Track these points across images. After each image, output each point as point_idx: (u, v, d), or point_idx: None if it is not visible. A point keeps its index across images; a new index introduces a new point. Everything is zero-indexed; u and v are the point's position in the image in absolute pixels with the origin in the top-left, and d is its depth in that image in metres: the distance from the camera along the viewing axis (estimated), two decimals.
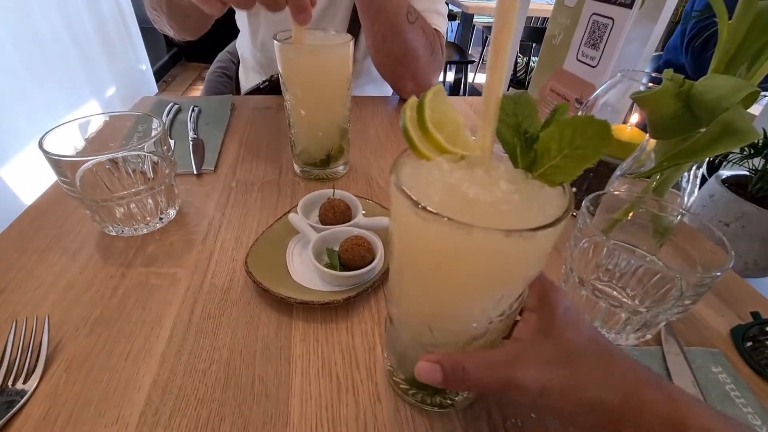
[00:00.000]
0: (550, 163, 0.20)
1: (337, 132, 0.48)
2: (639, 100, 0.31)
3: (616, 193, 0.36)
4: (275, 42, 0.42)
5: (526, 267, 0.19)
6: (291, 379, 0.28)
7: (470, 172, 0.19)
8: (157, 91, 2.84)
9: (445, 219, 0.16)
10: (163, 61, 3.15)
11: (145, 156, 0.39)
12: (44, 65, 1.75)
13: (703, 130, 0.29)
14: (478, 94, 3.15)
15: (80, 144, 0.40)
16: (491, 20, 3.11)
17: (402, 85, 0.70)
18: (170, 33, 0.68)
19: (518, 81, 2.11)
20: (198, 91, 2.92)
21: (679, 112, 0.29)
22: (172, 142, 0.56)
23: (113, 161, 0.37)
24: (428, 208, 0.16)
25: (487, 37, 3.54)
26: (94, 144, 0.41)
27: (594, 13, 0.51)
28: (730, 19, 0.30)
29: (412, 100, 0.20)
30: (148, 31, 2.77)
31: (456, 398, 0.26)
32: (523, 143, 0.21)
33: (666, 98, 0.29)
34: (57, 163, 0.34)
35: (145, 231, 0.40)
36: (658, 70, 1.17)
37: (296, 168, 0.51)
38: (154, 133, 0.42)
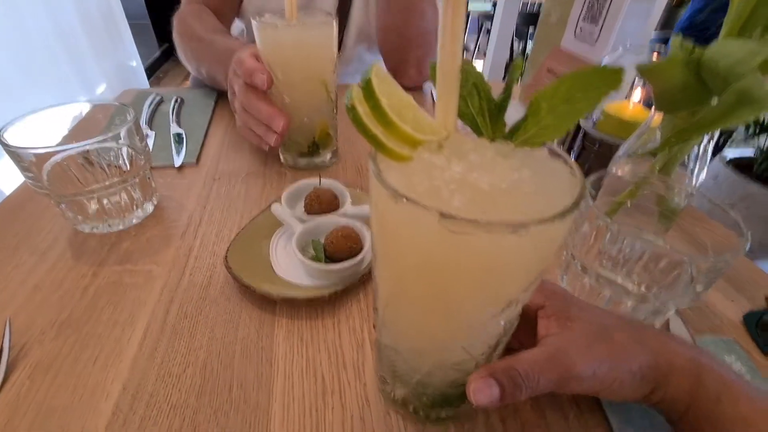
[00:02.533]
0: (537, 125, 0.17)
1: (322, 118, 0.46)
2: (644, 72, 0.28)
3: (620, 174, 0.33)
4: (253, 22, 0.40)
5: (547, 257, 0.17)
6: (272, 381, 0.26)
7: (464, 160, 0.16)
8: (148, 86, 2.80)
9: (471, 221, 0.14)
10: (154, 57, 3.11)
11: (118, 148, 0.37)
12: (31, 62, 1.72)
13: (715, 100, 0.26)
14: None
15: (52, 137, 0.38)
16: (487, 7, 3.05)
17: (403, 71, 0.68)
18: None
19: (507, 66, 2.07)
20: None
21: (689, 82, 0.27)
22: (152, 133, 0.54)
23: (84, 155, 0.35)
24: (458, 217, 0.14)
25: (482, 25, 3.48)
26: (67, 138, 0.39)
27: None
28: None
29: (356, 92, 0.17)
30: (137, 26, 2.72)
31: (460, 407, 0.24)
32: (489, 110, 0.19)
33: (674, 68, 0.27)
34: (18, 155, 0.32)
35: (120, 227, 0.38)
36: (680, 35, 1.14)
37: (282, 158, 0.49)
38: (127, 123, 0.40)
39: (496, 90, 0.18)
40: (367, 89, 0.17)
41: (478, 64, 3.22)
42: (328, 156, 0.49)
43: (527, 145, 0.18)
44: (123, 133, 0.35)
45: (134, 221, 0.39)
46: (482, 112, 0.19)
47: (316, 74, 0.43)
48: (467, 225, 0.13)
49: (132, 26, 2.58)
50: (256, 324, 0.29)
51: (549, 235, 0.15)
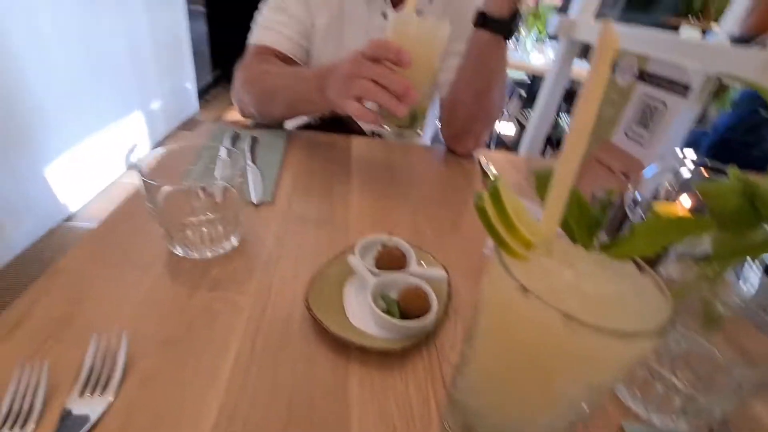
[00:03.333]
0: (633, 244, 0.21)
1: (424, 98, 0.55)
2: (702, 192, 0.32)
3: (669, 274, 0.37)
4: (390, 14, 0.59)
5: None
6: (349, 424, 0.28)
7: (573, 267, 0.20)
8: (198, 108, 2.99)
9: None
10: (206, 82, 3.33)
11: (221, 183, 0.42)
12: (101, 74, 1.88)
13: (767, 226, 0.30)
14: (503, 145, 3.21)
15: (172, 170, 0.43)
16: (522, 75, 3.20)
17: (464, 143, 0.75)
18: (252, 115, 0.77)
19: (558, 141, 2.15)
20: (235, 111, 3.08)
21: (743, 207, 0.31)
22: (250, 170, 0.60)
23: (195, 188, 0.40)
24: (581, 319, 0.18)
25: (514, 91, 3.64)
26: (165, 167, 0.44)
27: (645, 95, 0.54)
28: None
29: (485, 197, 0.21)
30: (198, 53, 2.94)
31: None
32: (588, 224, 0.23)
33: (731, 194, 0.31)
34: (149, 187, 0.37)
35: (209, 255, 0.42)
36: (710, 148, 1.19)
37: (386, 127, 0.63)
38: (234, 162, 0.45)
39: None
40: (495, 196, 0.21)
41: (507, 126, 3.34)
42: (418, 130, 0.60)
43: (618, 258, 0.22)
44: (232, 170, 0.40)
45: (221, 252, 0.43)
46: (581, 225, 0.23)
47: (430, 62, 0.53)
48: (589, 329, 0.17)
49: (193, 53, 2.80)
50: (331, 365, 0.33)
51: (649, 344, 0.18)
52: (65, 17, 1.59)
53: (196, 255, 0.42)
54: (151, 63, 2.29)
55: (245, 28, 0.79)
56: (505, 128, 3.46)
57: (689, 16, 3.96)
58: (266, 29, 0.76)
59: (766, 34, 0.53)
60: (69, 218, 1.76)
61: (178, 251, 0.42)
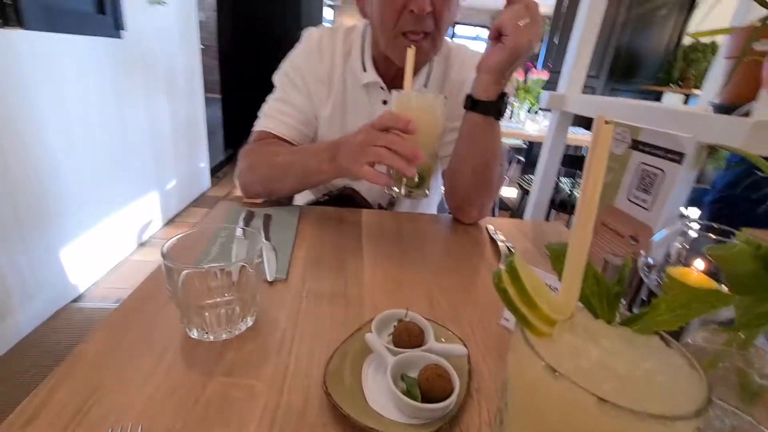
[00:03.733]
0: (656, 318, 0.21)
1: (428, 161, 0.62)
2: (715, 257, 0.33)
3: (698, 343, 0.36)
4: (394, 92, 0.63)
5: None
6: None
7: (599, 344, 0.20)
8: (209, 185, 3.12)
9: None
10: (219, 160, 3.51)
11: (238, 264, 0.43)
12: (123, 157, 2.00)
13: None
14: (506, 207, 3.27)
15: (190, 252, 0.45)
16: (519, 142, 3.36)
17: (468, 213, 0.77)
18: (259, 194, 0.81)
19: (560, 203, 2.20)
20: None
21: (758, 272, 0.31)
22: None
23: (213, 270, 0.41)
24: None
25: (513, 157, 3.80)
26: (183, 248, 0.45)
27: (642, 163, 0.56)
28: None
29: (504, 276, 0.21)
30: (212, 134, 3.15)
31: None
32: (608, 298, 0.23)
33: (743, 258, 0.31)
34: (171, 270, 0.38)
35: (224, 337, 0.42)
36: (713, 204, 1.21)
37: (396, 189, 0.64)
38: (251, 242, 0.47)
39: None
40: (513, 274, 0.22)
41: (509, 191, 3.42)
42: (426, 190, 0.65)
43: (642, 332, 0.22)
44: (253, 254, 0.41)
45: (236, 333, 0.43)
46: (600, 298, 0.23)
47: (431, 128, 0.61)
48: (623, 413, 0.17)
49: (208, 134, 2.99)
50: None
51: (689, 426, 0.18)
52: (91, 108, 1.74)
53: (211, 338, 0.41)
54: (169, 146, 2.45)
55: (255, 112, 0.86)
56: (507, 192, 3.56)
57: (670, 84, 4.23)
58: (270, 117, 0.82)
59: (746, 102, 0.57)
60: (77, 299, 1.76)
61: (194, 334, 0.42)
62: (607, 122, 0.20)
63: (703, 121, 0.52)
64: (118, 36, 1.82)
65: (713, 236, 0.44)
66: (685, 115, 0.56)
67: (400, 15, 0.67)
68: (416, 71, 0.80)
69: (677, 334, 0.40)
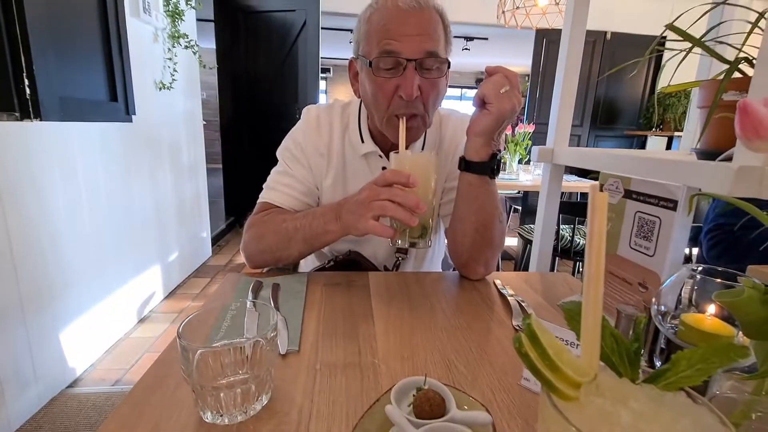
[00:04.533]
0: (678, 375, 0.21)
1: (428, 213, 0.66)
2: (725, 304, 0.33)
3: (725, 394, 0.35)
4: (392, 155, 0.68)
5: None
6: None
7: (627, 406, 0.20)
8: (210, 254, 3.13)
9: None
10: (220, 229, 3.55)
11: (252, 339, 0.43)
12: (126, 234, 2.02)
13: None
14: (509, 258, 3.27)
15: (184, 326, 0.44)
16: (514, 193, 3.44)
17: (474, 269, 0.78)
18: (266, 262, 0.83)
19: (563, 250, 2.20)
20: None
21: None
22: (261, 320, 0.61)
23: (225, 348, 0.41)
24: None
25: (511, 207, 3.87)
26: (194, 325, 0.45)
27: (639, 211, 0.58)
28: None
29: (524, 340, 0.22)
30: (213, 203, 3.22)
31: None
32: (628, 356, 0.24)
33: (753, 304, 0.32)
34: (186, 350, 0.38)
35: (239, 419, 0.41)
36: (708, 233, 1.22)
37: (399, 241, 0.67)
38: (263, 315, 0.47)
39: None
40: (533, 338, 0.22)
41: (510, 240, 3.44)
42: (428, 240, 0.68)
43: (667, 389, 0.22)
44: (269, 330, 0.41)
45: (251, 413, 0.41)
46: (621, 356, 0.23)
47: (428, 181, 0.66)
48: None
49: (209, 203, 3.06)
50: None
51: None
52: (100, 188, 1.80)
53: (226, 421, 0.40)
54: (172, 219, 2.49)
55: (255, 180, 0.90)
56: (509, 242, 3.57)
57: (651, 128, 4.44)
58: (273, 190, 0.86)
59: (726, 148, 0.61)
60: (72, 384, 1.69)
61: (208, 418, 0.40)
62: (602, 188, 0.22)
63: (690, 168, 0.55)
64: (129, 120, 1.93)
65: (719, 280, 0.45)
66: (672, 164, 0.59)
67: (391, 99, 0.73)
68: (411, 143, 0.85)
69: (704, 385, 0.39)
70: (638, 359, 0.23)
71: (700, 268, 0.47)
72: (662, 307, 0.47)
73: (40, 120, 1.38)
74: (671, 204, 0.53)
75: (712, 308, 0.46)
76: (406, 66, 0.69)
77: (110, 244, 1.88)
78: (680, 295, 0.47)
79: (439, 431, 0.36)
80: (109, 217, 1.87)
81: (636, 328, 0.24)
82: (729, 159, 0.57)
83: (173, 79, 2.35)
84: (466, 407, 0.41)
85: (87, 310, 1.74)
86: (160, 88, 2.27)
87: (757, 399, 0.34)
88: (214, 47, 3.73)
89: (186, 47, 2.42)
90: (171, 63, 2.35)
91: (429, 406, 0.38)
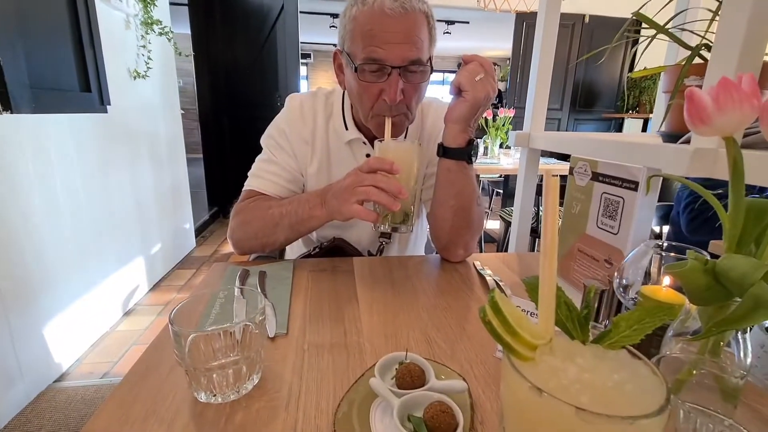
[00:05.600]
0: (619, 335, 0.25)
1: (410, 199, 0.69)
2: (673, 274, 0.37)
3: (674, 355, 0.39)
4: (376, 142, 0.72)
5: None
6: None
7: (574, 362, 0.24)
8: (194, 245, 3.11)
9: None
10: (203, 220, 3.51)
11: (242, 323, 0.45)
12: (108, 227, 1.99)
13: (738, 299, 0.34)
14: (491, 240, 3.34)
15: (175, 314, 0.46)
16: (494, 176, 3.49)
17: (454, 252, 0.81)
18: (252, 249, 0.84)
19: (532, 230, 2.26)
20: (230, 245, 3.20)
21: (711, 284, 0.35)
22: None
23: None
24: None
25: (493, 191, 3.94)
26: (184, 313, 0.47)
27: (604, 192, 0.62)
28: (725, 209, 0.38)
29: (488, 310, 0.24)
30: (195, 194, 3.18)
31: None
32: (578, 321, 0.27)
33: (695, 274, 0.36)
34: (178, 336, 0.40)
35: (232, 398, 0.43)
36: (686, 210, 1.28)
37: (382, 226, 0.70)
38: (251, 301, 0.49)
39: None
40: (496, 309, 0.25)
41: (493, 223, 3.51)
42: (410, 226, 0.71)
43: (611, 348, 0.25)
44: (257, 314, 0.44)
45: (243, 392, 0.44)
46: (573, 322, 0.27)
47: (410, 168, 0.69)
48: (597, 418, 0.20)
49: (191, 194, 3.02)
50: None
51: (654, 425, 0.21)
52: (76, 181, 1.76)
53: (219, 399, 0.42)
54: (154, 212, 2.45)
55: (237, 169, 0.91)
56: (491, 224, 3.65)
57: (628, 110, 4.54)
58: (258, 177, 0.87)
59: (687, 131, 0.65)
60: (60, 378, 1.68)
61: (202, 398, 0.43)
62: (572, 170, 0.25)
63: (652, 150, 0.58)
64: (105, 111, 1.88)
65: (673, 254, 0.49)
66: (636, 146, 0.62)
67: (375, 101, 0.75)
68: (395, 136, 0.88)
69: (657, 347, 0.43)
70: (588, 324, 0.26)
71: (655, 244, 0.51)
72: (624, 281, 0.51)
73: (11, 112, 1.34)
74: (633, 185, 0.57)
75: (666, 280, 0.50)
76: (390, 72, 0.71)
77: (90, 238, 1.85)
78: (642, 269, 0.51)
79: (418, 399, 0.39)
80: (88, 210, 1.83)
81: (586, 297, 0.27)
82: (689, 141, 0.60)
83: (148, 68, 2.28)
84: (444, 377, 0.44)
85: (70, 305, 1.72)
86: (135, 77, 2.21)
87: (702, 358, 0.38)
88: (189, 32, 3.62)
89: (160, 34, 2.35)
90: (145, 51, 2.28)
91: (410, 378, 0.42)
